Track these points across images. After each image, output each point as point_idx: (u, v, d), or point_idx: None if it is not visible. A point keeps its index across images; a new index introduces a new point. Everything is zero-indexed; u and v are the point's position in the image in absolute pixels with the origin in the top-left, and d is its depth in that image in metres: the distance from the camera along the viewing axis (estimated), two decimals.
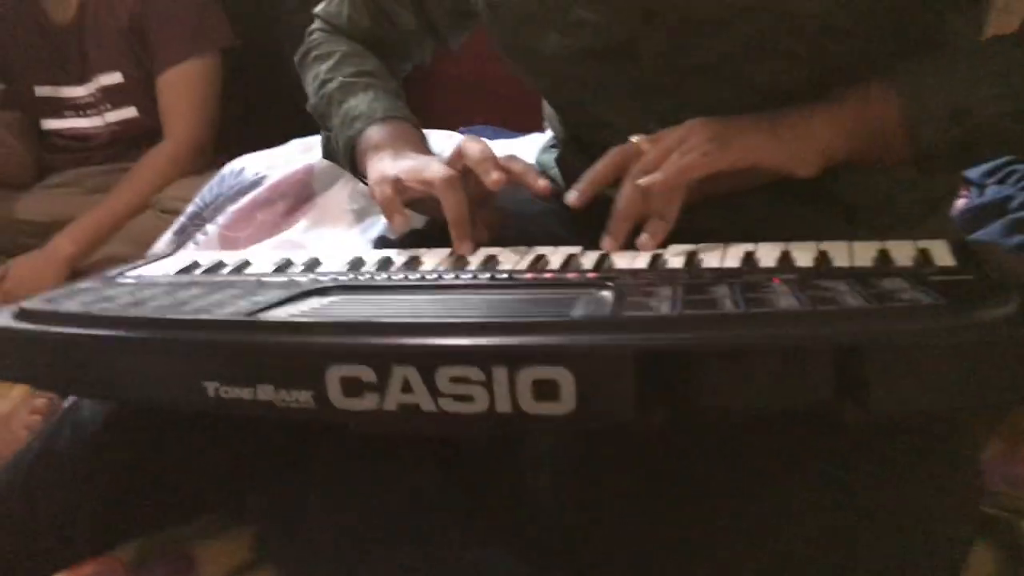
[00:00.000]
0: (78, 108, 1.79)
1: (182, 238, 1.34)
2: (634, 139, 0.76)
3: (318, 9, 1.07)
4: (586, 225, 0.78)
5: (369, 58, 1.00)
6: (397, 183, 0.80)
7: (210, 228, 1.30)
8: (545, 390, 0.52)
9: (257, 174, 1.33)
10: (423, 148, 0.89)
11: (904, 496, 0.61)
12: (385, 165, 0.84)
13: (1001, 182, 1.23)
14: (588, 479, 0.69)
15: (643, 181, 0.72)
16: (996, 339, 0.50)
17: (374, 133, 0.90)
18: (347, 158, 0.93)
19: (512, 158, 0.80)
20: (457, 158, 0.79)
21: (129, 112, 1.77)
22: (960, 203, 1.20)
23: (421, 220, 0.88)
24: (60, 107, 1.80)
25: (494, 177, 0.76)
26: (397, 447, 0.70)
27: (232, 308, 0.61)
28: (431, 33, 1.01)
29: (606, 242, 0.74)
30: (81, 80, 1.77)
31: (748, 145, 0.73)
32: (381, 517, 0.69)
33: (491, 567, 0.67)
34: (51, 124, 1.83)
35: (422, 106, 1.79)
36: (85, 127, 1.81)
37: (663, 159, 0.73)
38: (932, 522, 0.61)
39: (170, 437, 0.74)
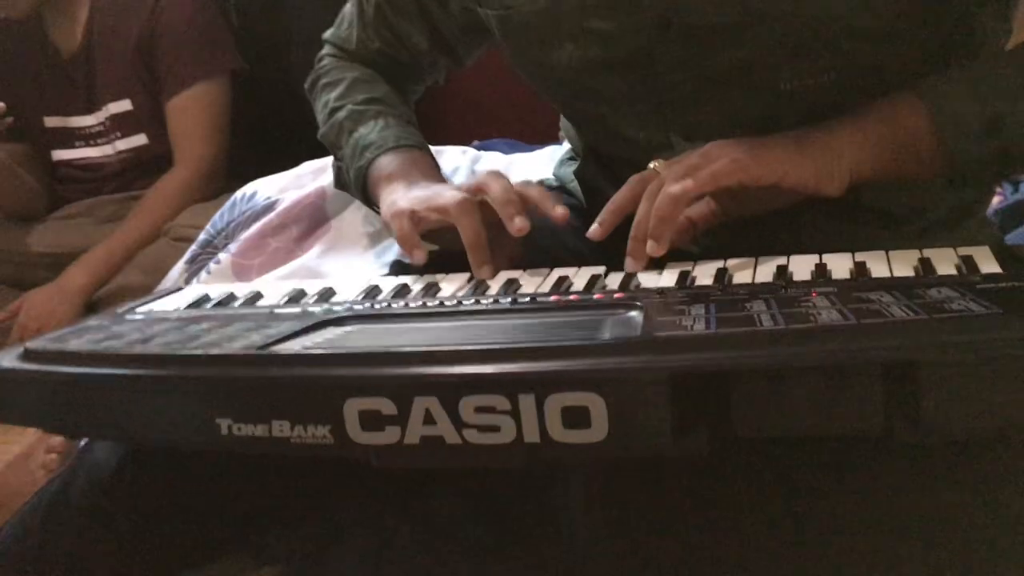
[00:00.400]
0: (88, 137, 1.79)
1: (194, 267, 1.32)
2: (652, 164, 0.73)
3: (327, 35, 1.06)
4: (612, 246, 0.75)
5: (379, 84, 0.98)
6: (413, 215, 0.78)
7: (222, 256, 1.28)
8: (575, 417, 0.49)
9: (269, 199, 1.31)
10: (436, 176, 0.87)
11: (959, 520, 0.58)
12: (398, 196, 0.82)
13: None
14: (621, 509, 0.66)
15: (674, 188, 0.68)
16: None
17: (386, 163, 0.88)
18: (359, 188, 0.91)
19: (529, 184, 0.77)
20: (476, 192, 0.77)
21: (139, 139, 1.77)
22: (995, 201, 1.16)
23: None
24: (70, 137, 1.80)
25: (517, 225, 0.73)
26: (422, 483, 0.67)
27: (244, 341, 0.59)
28: (444, 52, 0.99)
29: (629, 263, 0.71)
30: (90, 109, 1.76)
31: (775, 158, 0.69)
32: (407, 557, 0.66)
33: None
34: (61, 155, 1.82)
35: (437, 120, 1.79)
36: (96, 156, 1.80)
37: (688, 174, 0.69)
38: (993, 549, 0.58)
39: (186, 478, 0.72)
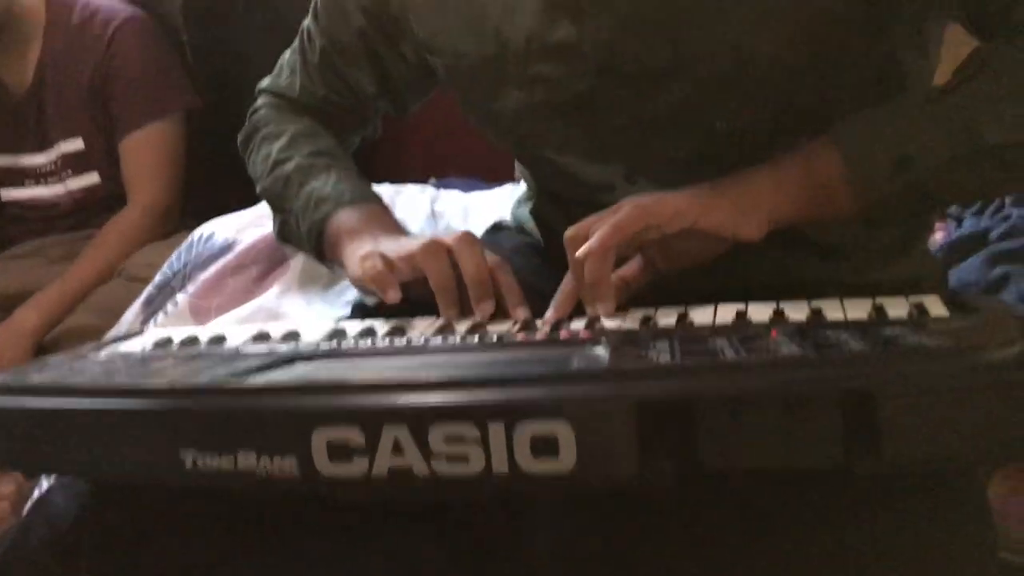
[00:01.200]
0: (39, 177, 1.76)
1: (150, 309, 1.31)
2: (569, 232, 0.74)
3: (264, 84, 1.05)
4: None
5: (322, 135, 0.98)
6: (384, 258, 0.78)
7: (180, 297, 1.27)
8: (544, 446, 0.49)
9: (227, 240, 1.31)
10: (399, 230, 0.87)
11: (920, 548, 0.59)
12: (367, 247, 0.81)
13: (978, 213, 1.24)
14: (592, 543, 0.66)
15: (579, 252, 0.71)
16: (1009, 380, 0.48)
17: (345, 218, 0.87)
18: (312, 242, 0.90)
19: (501, 268, 0.77)
20: (447, 250, 0.77)
21: (91, 178, 1.75)
22: (939, 236, 1.20)
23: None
24: (20, 176, 1.77)
25: (485, 309, 0.75)
26: (392, 519, 0.66)
27: (210, 375, 0.59)
28: (390, 98, 0.99)
29: (549, 314, 0.73)
30: (41, 147, 1.74)
31: (684, 202, 0.72)
32: None
33: None
34: (11, 194, 1.79)
35: (395, 157, 1.80)
36: (46, 196, 1.77)
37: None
38: (951, 573, 0.59)
39: (152, 521, 0.70)
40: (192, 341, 0.74)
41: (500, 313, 0.76)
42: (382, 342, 0.68)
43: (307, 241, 0.91)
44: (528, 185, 1.03)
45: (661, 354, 0.55)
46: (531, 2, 0.80)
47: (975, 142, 0.70)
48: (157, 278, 1.35)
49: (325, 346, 0.68)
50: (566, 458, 0.50)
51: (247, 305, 1.17)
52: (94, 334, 1.44)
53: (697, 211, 0.71)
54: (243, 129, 1.03)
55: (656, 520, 0.61)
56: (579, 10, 0.79)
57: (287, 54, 1.03)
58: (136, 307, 1.34)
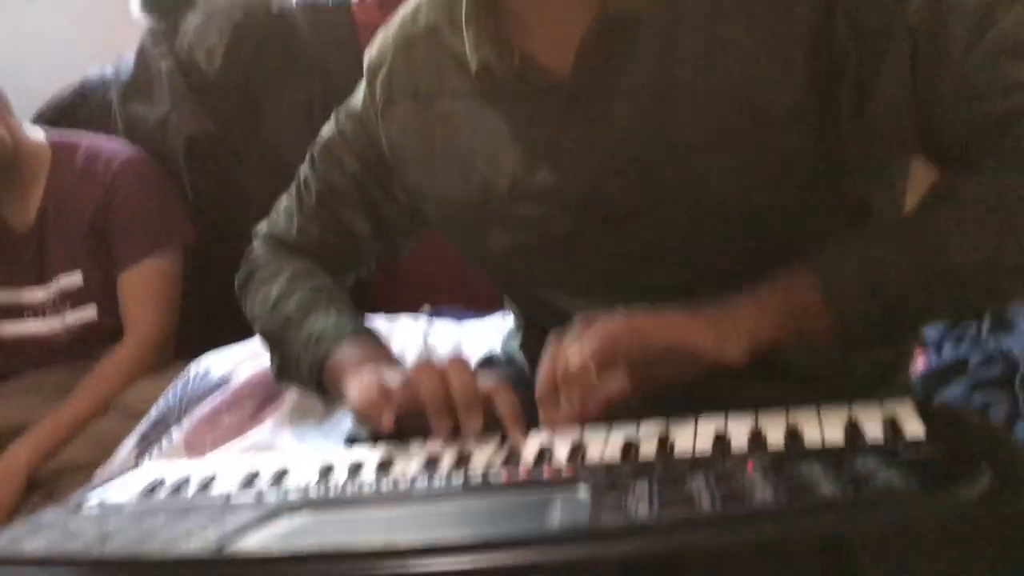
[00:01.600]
0: (37, 311, 1.78)
1: (144, 445, 1.31)
2: (553, 344, 0.76)
3: (261, 227, 1.08)
4: None
5: (319, 274, 1.01)
6: (381, 387, 0.80)
7: (175, 434, 1.28)
8: None
9: (222, 376, 1.33)
10: (396, 362, 0.90)
11: None
12: (366, 378, 0.83)
13: (958, 340, 1.26)
14: None
15: (570, 368, 0.73)
16: (975, 520, 0.50)
17: (346, 353, 0.90)
18: (313, 379, 0.92)
19: (500, 390, 0.79)
20: (440, 375, 0.79)
21: (89, 312, 1.76)
22: (919, 364, 1.22)
23: None
24: (19, 311, 1.78)
25: (472, 427, 0.76)
26: None
27: (200, 539, 0.59)
28: (384, 238, 1.03)
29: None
30: (40, 281, 1.76)
31: (666, 321, 0.74)
32: None
33: None
34: (10, 329, 1.80)
35: (389, 285, 1.82)
36: (44, 331, 1.78)
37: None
38: None
39: None
40: (182, 486, 0.75)
41: (495, 424, 0.77)
42: (369, 485, 0.69)
43: (308, 378, 0.93)
44: (516, 318, 1.05)
45: (640, 503, 0.56)
46: (513, 149, 0.85)
47: (943, 264, 0.72)
48: (152, 413, 1.36)
49: (312, 492, 0.69)
50: None
51: (241, 439, 1.18)
52: (88, 468, 1.44)
53: (679, 331, 0.73)
54: (240, 271, 1.06)
55: None
56: (558, 157, 0.83)
57: (283, 199, 1.07)
58: (131, 442, 1.35)
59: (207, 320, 1.77)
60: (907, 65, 0.73)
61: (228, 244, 1.75)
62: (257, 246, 1.07)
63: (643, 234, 0.82)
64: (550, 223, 0.85)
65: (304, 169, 1.04)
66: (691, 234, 0.80)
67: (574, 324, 0.75)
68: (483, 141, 0.87)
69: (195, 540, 0.59)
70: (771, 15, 0.75)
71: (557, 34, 0.81)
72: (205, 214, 1.82)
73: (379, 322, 1.50)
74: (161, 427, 1.32)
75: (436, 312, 1.63)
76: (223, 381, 1.32)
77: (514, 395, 0.79)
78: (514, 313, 1.05)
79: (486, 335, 1.39)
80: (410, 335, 1.45)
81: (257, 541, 0.59)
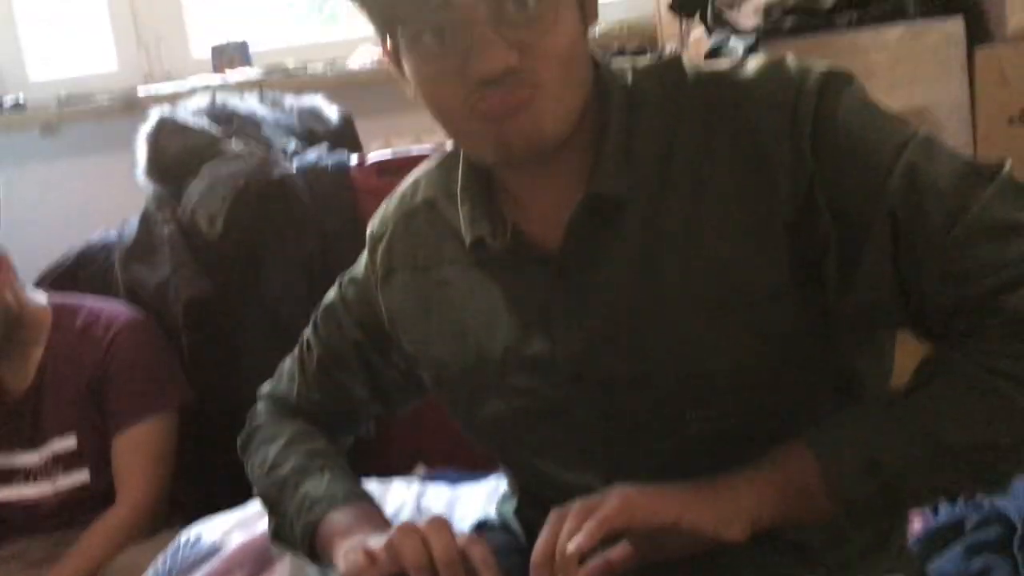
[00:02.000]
0: (28, 475, 1.74)
1: None
2: (553, 517, 0.76)
3: (264, 390, 1.10)
4: None
5: (317, 437, 1.02)
6: (366, 552, 0.80)
7: None
8: None
9: (213, 543, 1.30)
10: (389, 527, 0.89)
11: None
12: (354, 544, 0.84)
13: (952, 502, 1.25)
14: None
15: (570, 547, 0.72)
16: None
17: (339, 518, 0.90)
18: (305, 544, 0.92)
19: (475, 543, 0.80)
20: (421, 537, 0.79)
21: (81, 477, 1.73)
22: (916, 527, 1.21)
23: None
24: (10, 476, 1.75)
25: None
26: None
27: None
28: (382, 401, 1.04)
29: None
30: (33, 444, 1.73)
31: (669, 500, 0.74)
32: None
33: None
34: None
35: (382, 444, 1.79)
36: (31, 496, 1.74)
37: (580, 521, 0.73)
38: None
39: None
40: None
41: None
42: None
43: (300, 542, 0.93)
44: (510, 484, 1.05)
45: None
46: (507, 319, 0.87)
47: (937, 444, 0.73)
48: None
49: None
50: None
51: None
52: None
53: (680, 510, 0.73)
54: (242, 432, 1.07)
55: None
56: (550, 326, 0.85)
57: (287, 361, 1.09)
58: None
59: (199, 482, 1.75)
60: (889, 246, 0.75)
61: (226, 406, 1.75)
62: (260, 407, 1.09)
63: (635, 402, 0.83)
64: (543, 391, 0.86)
65: (307, 332, 1.06)
66: (683, 401, 0.81)
67: (575, 503, 0.75)
68: (478, 309, 0.89)
69: None
70: (754, 195, 0.78)
71: (548, 210, 0.84)
72: (203, 375, 1.82)
73: (372, 485, 1.49)
74: None
75: (430, 475, 1.61)
76: (214, 549, 1.29)
77: (486, 547, 0.79)
78: (508, 480, 1.05)
79: (480, 499, 1.38)
80: (403, 499, 1.44)
81: None
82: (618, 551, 0.77)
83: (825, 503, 0.75)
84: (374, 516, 0.91)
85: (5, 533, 1.76)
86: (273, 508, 0.98)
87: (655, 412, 0.82)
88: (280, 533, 0.98)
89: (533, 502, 0.98)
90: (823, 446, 0.76)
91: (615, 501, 0.73)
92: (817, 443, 0.76)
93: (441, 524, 0.80)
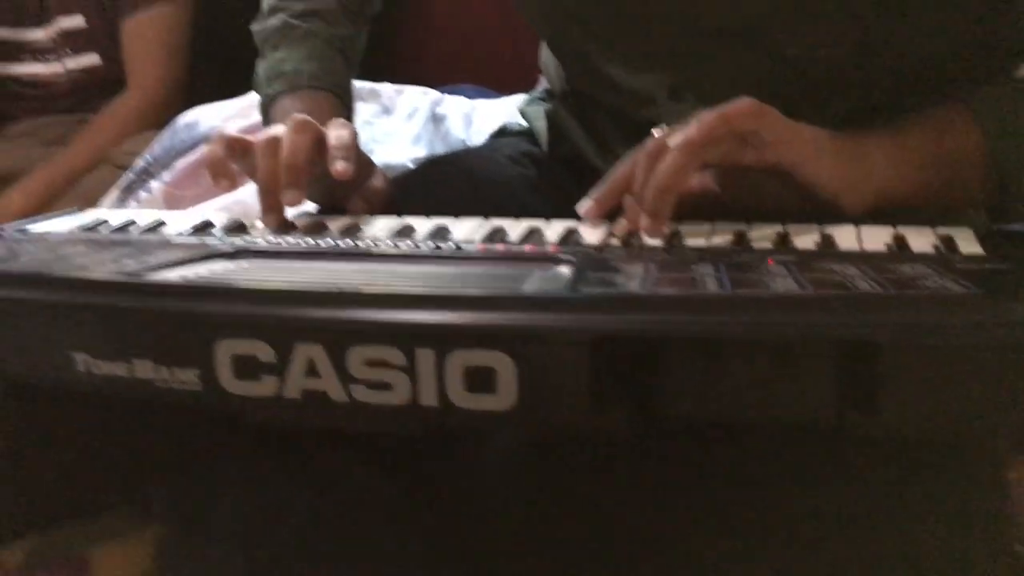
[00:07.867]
0: (36, 52, 1.68)
1: (127, 194, 1.23)
2: (656, 132, 0.61)
3: None
4: (563, 197, 0.67)
5: (332, 18, 0.89)
6: (231, 141, 0.69)
7: (154, 185, 1.19)
8: (480, 380, 0.42)
9: (212, 128, 1.22)
10: None
11: (923, 533, 0.50)
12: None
13: None
14: (539, 487, 0.58)
15: (677, 139, 0.58)
16: None
17: (290, 103, 0.81)
18: (263, 111, 0.86)
19: (341, 125, 0.70)
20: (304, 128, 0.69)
21: (91, 59, 1.66)
22: None
23: None
24: (17, 51, 1.68)
25: (339, 168, 0.66)
26: (315, 441, 0.59)
27: (114, 267, 0.51)
28: None
29: (583, 206, 0.62)
30: (40, 22, 1.65)
31: (800, 131, 0.60)
32: (297, 524, 0.58)
33: None
34: (9, 70, 1.71)
35: (410, 61, 1.70)
36: (44, 73, 1.69)
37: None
38: (952, 562, 0.51)
39: (55, 422, 0.63)
40: (126, 227, 0.66)
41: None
42: (328, 241, 0.60)
43: (260, 110, 0.87)
44: (551, 84, 0.92)
45: (631, 280, 0.46)
46: None
47: None
48: (138, 163, 1.27)
49: (262, 243, 0.60)
50: (506, 395, 0.42)
51: (222, 198, 1.09)
52: None
53: (809, 148, 0.59)
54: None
55: (608, 475, 0.53)
56: None
57: None
58: (114, 193, 1.27)
59: (215, 74, 1.66)
60: None
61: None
62: None
63: (731, 8, 0.67)
64: None
65: None
66: (786, 19, 0.65)
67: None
68: None
69: (106, 268, 0.51)
70: None
71: None
72: None
73: (384, 88, 1.38)
74: (144, 176, 1.23)
75: (449, 91, 1.50)
76: (211, 134, 1.22)
77: (348, 131, 0.69)
78: (550, 78, 0.92)
79: (499, 113, 1.28)
80: (416, 104, 1.33)
81: (175, 276, 0.50)
82: (693, 179, 0.61)
83: (979, 187, 0.63)
84: (330, 111, 0.81)
85: (22, 111, 1.73)
86: (259, 54, 0.90)
87: (750, 25, 0.67)
88: (256, 81, 0.90)
89: (576, 105, 0.86)
90: (994, 123, 0.62)
91: (744, 100, 0.59)
92: (985, 118, 0.62)
93: (301, 125, 0.68)
